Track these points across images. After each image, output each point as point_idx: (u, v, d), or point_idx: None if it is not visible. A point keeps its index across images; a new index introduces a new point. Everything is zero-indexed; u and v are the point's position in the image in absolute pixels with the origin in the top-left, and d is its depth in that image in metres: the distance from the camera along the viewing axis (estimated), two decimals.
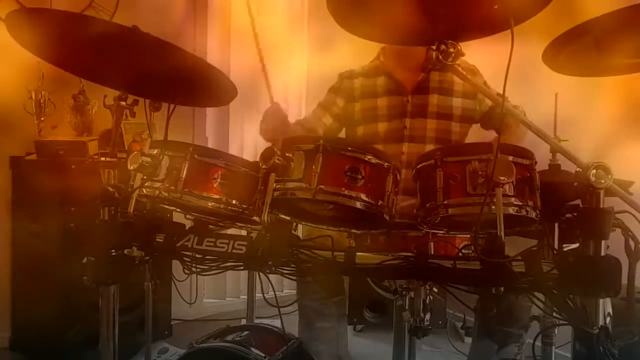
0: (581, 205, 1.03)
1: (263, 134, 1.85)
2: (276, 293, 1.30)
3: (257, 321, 2.11)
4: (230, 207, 1.24)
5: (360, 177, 1.09)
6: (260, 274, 1.26)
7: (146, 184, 1.22)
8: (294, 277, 1.39)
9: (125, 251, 1.25)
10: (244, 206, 1.24)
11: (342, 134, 2.04)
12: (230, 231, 1.40)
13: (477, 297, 1.10)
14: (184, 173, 1.21)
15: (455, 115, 1.90)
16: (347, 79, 1.99)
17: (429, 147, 1.81)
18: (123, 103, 1.36)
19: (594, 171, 0.96)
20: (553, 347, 1.54)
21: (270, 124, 1.83)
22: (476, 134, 2.00)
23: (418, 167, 1.19)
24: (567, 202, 1.11)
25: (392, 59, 1.94)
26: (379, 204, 1.11)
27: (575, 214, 1.06)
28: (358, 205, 1.09)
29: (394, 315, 1.71)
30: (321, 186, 1.06)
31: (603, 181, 0.96)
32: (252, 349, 1.55)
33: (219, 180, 1.24)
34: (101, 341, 1.33)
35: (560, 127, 1.38)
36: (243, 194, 1.24)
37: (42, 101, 2.53)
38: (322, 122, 1.97)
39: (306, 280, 1.81)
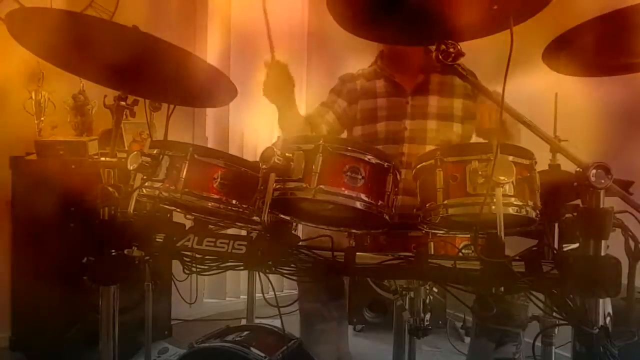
0: (581, 205, 1.03)
1: (266, 93, 1.73)
2: (276, 293, 1.31)
3: (257, 321, 2.11)
4: (230, 207, 1.24)
5: (360, 177, 1.09)
6: (260, 274, 1.26)
7: (146, 184, 1.22)
8: (294, 277, 1.39)
9: (125, 251, 1.25)
10: (244, 206, 1.24)
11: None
12: (230, 231, 1.40)
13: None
14: (184, 173, 1.21)
15: (457, 116, 1.90)
16: (348, 81, 2.00)
17: (430, 149, 1.81)
18: (123, 103, 1.36)
19: (594, 171, 0.96)
20: (553, 347, 1.54)
21: (275, 82, 1.71)
22: None
23: (418, 167, 1.19)
24: (567, 202, 1.11)
25: (390, 63, 1.95)
26: (379, 204, 1.11)
27: (575, 214, 1.06)
28: (358, 205, 1.09)
29: (394, 315, 1.71)
30: (321, 186, 1.06)
31: (603, 181, 0.96)
32: (252, 349, 1.54)
33: (219, 180, 1.24)
34: (101, 341, 1.33)
35: (560, 127, 1.38)
36: (243, 194, 1.24)
37: (42, 101, 2.53)
38: (325, 119, 1.97)
39: (306, 282, 1.81)
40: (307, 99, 3.48)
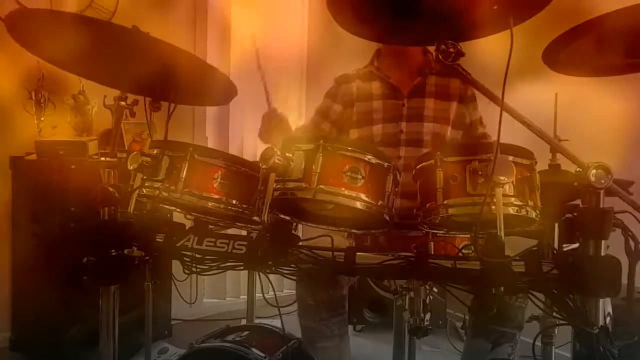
0: (581, 205, 1.03)
1: (261, 136, 1.91)
2: (276, 293, 1.30)
3: (257, 321, 2.11)
4: (230, 207, 1.24)
5: (360, 177, 1.09)
6: (260, 274, 1.26)
7: (146, 184, 1.22)
8: (294, 277, 1.38)
9: (125, 251, 1.25)
10: (244, 206, 1.24)
11: None
12: (230, 231, 1.40)
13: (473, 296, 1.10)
14: (184, 173, 1.21)
15: (450, 120, 1.90)
16: (344, 83, 1.98)
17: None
18: (123, 103, 1.36)
19: (594, 171, 0.96)
20: (553, 347, 1.53)
21: (267, 127, 1.87)
22: None
23: (418, 167, 1.19)
24: (567, 202, 1.11)
25: (386, 63, 1.94)
26: (379, 204, 1.11)
27: (575, 214, 1.06)
28: (358, 205, 1.09)
29: (394, 315, 1.71)
30: (321, 186, 1.06)
31: (603, 181, 0.96)
32: (252, 349, 1.54)
33: (219, 180, 1.24)
34: (101, 341, 1.33)
35: (560, 127, 1.38)
36: (243, 194, 1.24)
37: (42, 101, 2.53)
38: (320, 128, 1.96)
39: (306, 302, 1.80)
40: (307, 100, 3.48)
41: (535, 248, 1.11)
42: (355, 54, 2.00)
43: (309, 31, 3.49)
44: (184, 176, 1.21)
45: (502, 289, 1.01)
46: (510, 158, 1.04)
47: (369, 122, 1.90)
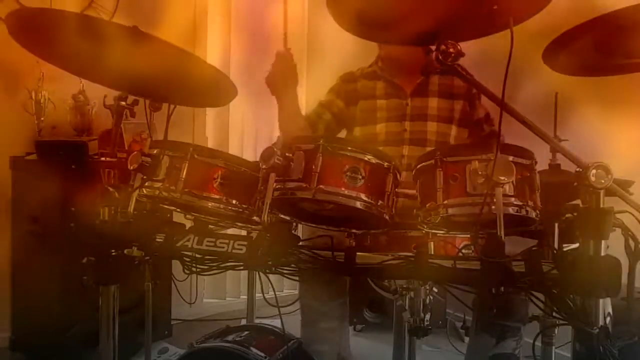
0: (581, 205, 1.03)
1: (268, 80, 1.82)
2: (276, 293, 1.30)
3: (257, 321, 2.11)
4: (230, 207, 1.25)
5: (360, 177, 1.09)
6: (260, 274, 1.26)
7: (146, 184, 1.22)
8: (294, 277, 1.38)
9: (125, 251, 1.25)
10: (244, 206, 1.25)
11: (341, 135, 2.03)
12: (230, 231, 1.40)
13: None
14: (184, 173, 1.21)
15: (455, 119, 1.90)
16: (348, 82, 2.00)
17: None
18: (123, 103, 1.36)
19: (594, 171, 0.96)
20: (553, 347, 1.54)
21: (280, 73, 1.80)
22: None
23: (418, 167, 1.19)
24: (567, 202, 1.11)
25: (389, 64, 1.95)
26: (379, 204, 1.11)
27: (575, 214, 1.06)
28: (358, 205, 1.09)
29: (394, 315, 1.71)
30: (321, 186, 1.06)
31: (603, 181, 0.96)
32: (252, 349, 1.55)
33: (219, 180, 1.24)
34: (101, 341, 1.33)
35: (560, 127, 1.38)
36: (243, 194, 1.24)
37: (42, 101, 2.53)
38: (322, 119, 1.98)
39: (308, 282, 1.81)
40: (307, 99, 3.47)
41: (535, 248, 1.11)
42: (355, 49, 2.00)
43: (309, 28, 3.49)
44: (184, 176, 1.21)
45: (502, 289, 1.01)
46: (510, 158, 1.04)
47: (372, 121, 1.91)
